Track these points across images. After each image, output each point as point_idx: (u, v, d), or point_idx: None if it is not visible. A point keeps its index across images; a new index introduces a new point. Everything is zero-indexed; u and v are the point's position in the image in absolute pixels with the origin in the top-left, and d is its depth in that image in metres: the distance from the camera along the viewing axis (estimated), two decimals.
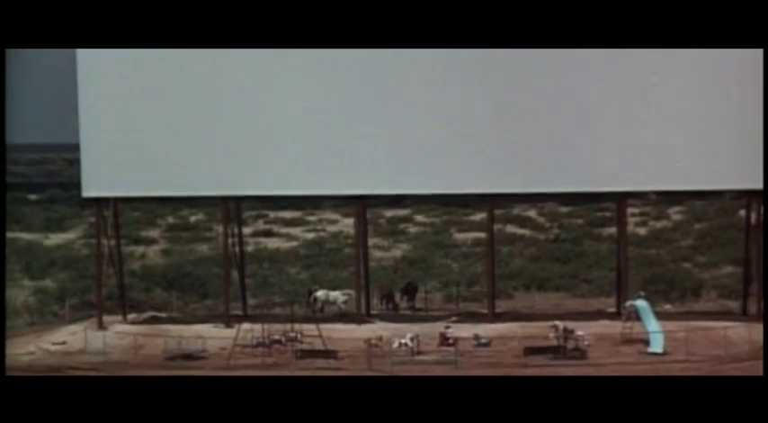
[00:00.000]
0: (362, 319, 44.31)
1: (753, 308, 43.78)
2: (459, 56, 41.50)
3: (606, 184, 43.08)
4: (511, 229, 75.08)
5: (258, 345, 40.10)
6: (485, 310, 45.01)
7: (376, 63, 42.28)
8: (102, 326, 43.46)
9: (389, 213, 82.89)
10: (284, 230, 77.75)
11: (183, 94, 43.08)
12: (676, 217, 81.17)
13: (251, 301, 48.83)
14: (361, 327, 42.91)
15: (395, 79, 42.60)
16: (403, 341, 39.32)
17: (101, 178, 43.39)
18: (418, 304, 48.27)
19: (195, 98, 43.05)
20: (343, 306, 46.36)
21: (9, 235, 68.14)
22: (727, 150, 42.02)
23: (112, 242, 45.87)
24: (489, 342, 40.38)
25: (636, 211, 75.49)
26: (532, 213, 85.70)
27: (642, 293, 42.62)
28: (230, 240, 45.82)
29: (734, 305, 47.07)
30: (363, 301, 45.48)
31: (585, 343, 39.20)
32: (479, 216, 71.33)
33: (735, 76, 41.79)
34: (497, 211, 52.14)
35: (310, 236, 74.10)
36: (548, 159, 42.64)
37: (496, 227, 51.78)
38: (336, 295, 46.94)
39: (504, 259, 59.46)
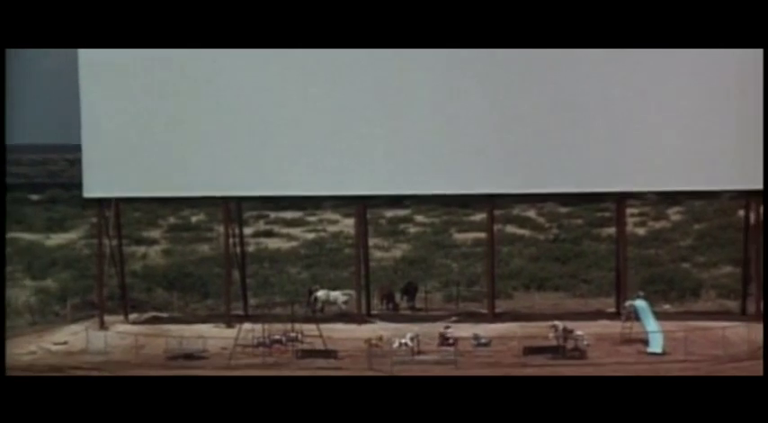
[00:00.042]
0: (363, 318, 44.38)
1: (752, 308, 43.85)
2: (460, 56, 41.56)
3: (605, 185, 43.15)
4: (510, 229, 75.10)
5: (259, 344, 40.15)
6: (484, 310, 45.06)
7: (376, 63, 42.35)
8: (103, 326, 43.56)
9: (390, 214, 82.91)
10: (285, 231, 77.79)
11: (184, 94, 43.14)
12: (675, 217, 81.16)
13: (252, 301, 48.89)
14: (361, 327, 42.97)
15: (395, 79, 42.65)
16: (403, 341, 39.38)
17: (102, 179, 43.47)
18: (418, 304, 48.32)
19: (196, 99, 43.13)
20: (343, 306, 46.42)
21: (11, 235, 68.40)
22: (726, 150, 42.05)
23: (114, 242, 46.01)
24: (489, 342, 40.43)
25: (635, 211, 75.45)
26: (532, 213, 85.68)
27: (641, 293, 42.68)
28: (231, 240, 45.87)
29: (733, 305, 47.14)
30: (364, 301, 45.54)
31: (585, 343, 39.26)
32: (479, 216, 71.36)
33: (735, 76, 41.82)
34: (497, 212, 52.20)
35: (311, 236, 74.14)
36: (547, 160, 42.68)
37: (496, 227, 51.82)
38: (337, 295, 46.99)
39: (503, 259, 59.51)
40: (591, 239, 69.48)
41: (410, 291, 48.87)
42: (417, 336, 39.85)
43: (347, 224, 70.87)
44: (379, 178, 43.12)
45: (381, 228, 76.38)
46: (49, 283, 55.50)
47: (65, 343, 42.23)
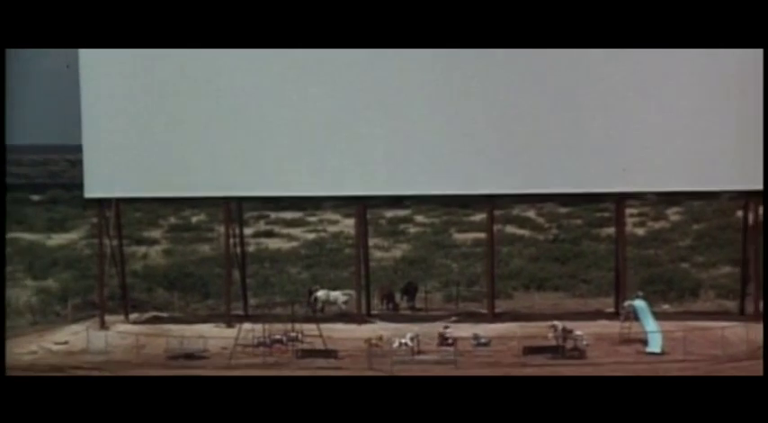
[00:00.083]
0: (363, 318, 44.45)
1: (750, 308, 43.89)
2: (460, 56, 41.62)
3: (605, 185, 43.21)
4: (510, 229, 75.13)
5: (259, 344, 40.20)
6: (484, 310, 45.13)
7: (376, 63, 42.40)
8: (104, 325, 43.65)
9: (390, 214, 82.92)
10: (285, 231, 77.82)
11: (184, 94, 43.20)
12: (674, 217, 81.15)
13: (252, 301, 48.96)
14: (361, 326, 43.05)
15: (395, 80, 42.70)
16: (403, 341, 39.43)
17: (103, 179, 43.55)
18: (418, 304, 48.39)
19: (197, 99, 43.18)
20: (343, 306, 46.48)
21: (12, 235, 68.49)
22: (726, 151, 42.09)
23: (114, 242, 46.08)
24: (489, 342, 40.48)
25: (634, 211, 75.48)
26: (532, 214, 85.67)
27: (640, 293, 42.73)
28: (232, 241, 45.91)
29: (731, 305, 47.19)
30: (364, 301, 45.62)
31: (584, 343, 39.30)
32: (479, 216, 71.39)
33: (735, 76, 41.86)
34: (497, 212, 52.25)
35: (311, 236, 74.18)
36: (547, 160, 42.73)
37: (496, 227, 51.87)
38: (337, 295, 47.06)
39: (503, 259, 59.56)
40: (590, 240, 69.51)
41: (410, 291, 48.94)
42: (417, 336, 39.91)
43: (347, 224, 70.92)
44: (379, 178, 43.18)
45: (381, 228, 76.41)
46: (50, 283, 55.56)
47: (66, 343, 42.30)
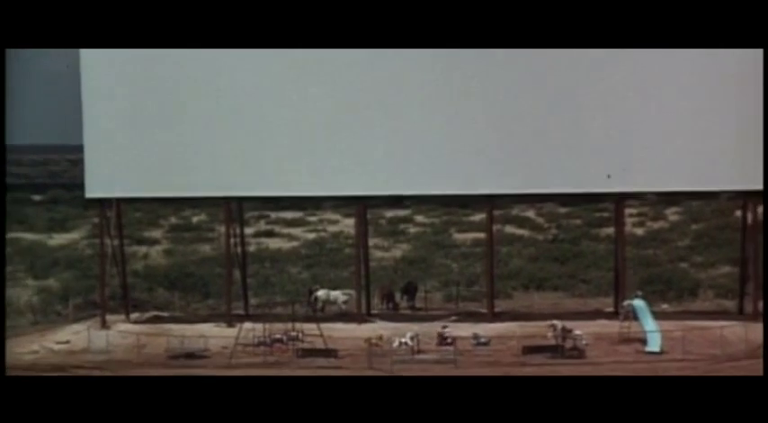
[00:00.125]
0: (363, 318, 44.55)
1: (749, 307, 43.93)
2: (459, 56, 41.66)
3: (604, 185, 43.26)
4: (510, 229, 75.16)
5: (260, 344, 40.29)
6: (484, 310, 45.20)
7: (376, 63, 42.45)
8: (105, 325, 43.73)
9: (390, 214, 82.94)
10: (285, 231, 77.86)
11: (185, 95, 43.27)
12: (673, 217, 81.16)
13: (252, 301, 49.02)
14: (361, 326, 43.13)
15: (395, 79, 42.74)
16: (403, 340, 39.53)
17: (104, 179, 43.62)
18: (418, 304, 48.45)
19: (197, 99, 43.24)
20: (343, 305, 46.57)
21: (13, 235, 68.58)
22: (726, 151, 42.12)
23: (115, 242, 46.14)
24: (488, 341, 40.57)
25: (633, 211, 75.55)
26: (531, 214, 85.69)
27: (639, 293, 42.82)
28: (232, 240, 45.99)
29: (730, 305, 47.26)
30: (364, 301, 45.72)
31: (583, 342, 39.37)
32: (479, 216, 71.40)
33: (735, 76, 41.88)
34: (496, 212, 52.30)
35: (311, 236, 74.23)
36: (546, 160, 42.79)
37: (495, 227, 51.95)
38: (337, 295, 47.15)
39: (503, 259, 59.65)
40: (590, 240, 69.55)
41: (410, 290, 49.02)
42: (417, 335, 40.00)
43: (347, 224, 70.97)
44: (379, 178, 43.23)
45: (381, 228, 76.46)
46: (51, 282, 55.60)
47: (67, 342, 42.38)
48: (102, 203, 45.33)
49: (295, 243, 71.04)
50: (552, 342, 39.25)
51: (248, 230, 59.17)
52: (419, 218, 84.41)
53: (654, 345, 39.71)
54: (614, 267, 47.03)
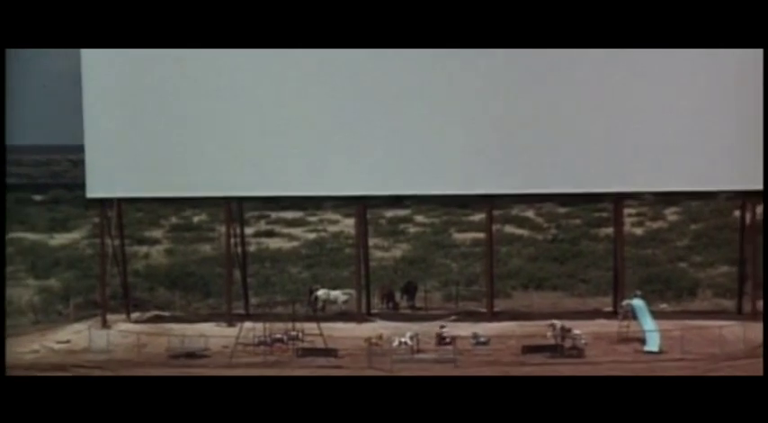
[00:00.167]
0: (363, 317, 44.62)
1: (747, 307, 44.02)
2: (459, 56, 41.69)
3: (604, 185, 43.33)
4: (509, 229, 75.19)
5: (260, 343, 40.39)
6: (483, 310, 45.27)
7: (376, 63, 42.47)
8: (106, 325, 43.79)
9: (390, 214, 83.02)
10: (286, 231, 77.97)
11: (186, 95, 43.31)
12: (672, 217, 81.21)
13: (253, 301, 49.09)
14: (361, 325, 43.20)
15: (394, 79, 42.78)
16: (403, 340, 39.62)
17: (105, 179, 43.68)
18: (418, 303, 48.50)
19: (198, 99, 43.27)
20: (343, 305, 46.66)
21: (14, 235, 68.76)
22: (725, 151, 42.14)
23: (116, 242, 46.20)
24: (488, 341, 40.63)
25: (632, 211, 75.71)
26: (530, 214, 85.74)
27: (638, 293, 42.93)
28: (233, 240, 46.04)
29: (729, 304, 47.29)
30: (364, 301, 45.79)
31: (583, 341, 39.42)
32: (478, 216, 71.47)
33: (735, 76, 41.90)
34: (496, 212, 52.31)
35: (311, 236, 74.30)
36: (546, 160, 42.82)
37: (495, 227, 51.94)
38: (337, 294, 47.23)
39: (502, 259, 59.73)
40: (589, 239, 69.61)
41: (410, 290, 49.10)
42: (417, 334, 40.09)
43: (347, 224, 71.06)
44: (379, 178, 43.29)
45: (381, 228, 76.56)
46: (53, 282, 55.67)
47: (68, 341, 42.47)
48: (103, 203, 45.41)
49: (295, 243, 71.12)
50: (551, 341, 39.31)
51: (249, 230, 59.29)
52: (419, 218, 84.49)
53: (653, 344, 39.78)
54: (613, 267, 47.10)
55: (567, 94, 42.60)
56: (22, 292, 52.76)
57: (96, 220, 54.49)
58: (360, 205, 45.80)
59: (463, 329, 41.53)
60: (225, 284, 45.91)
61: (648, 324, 40.59)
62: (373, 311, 46.75)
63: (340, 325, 42.97)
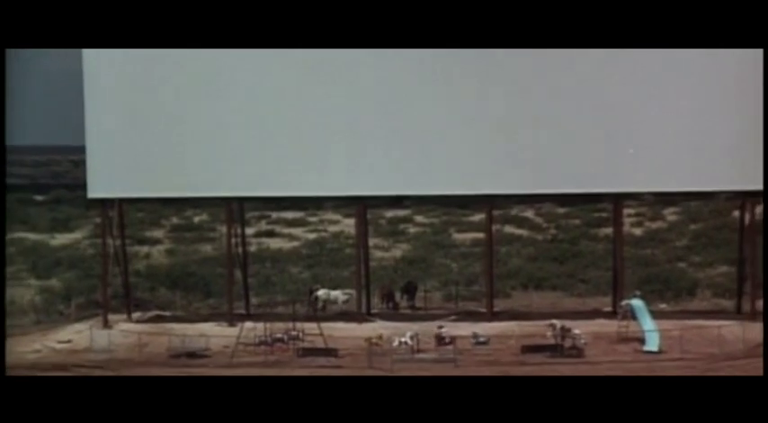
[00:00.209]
0: (363, 317, 44.70)
1: (746, 306, 44.12)
2: (459, 57, 41.74)
3: (603, 186, 43.39)
4: (509, 229, 75.31)
5: (261, 343, 40.49)
6: (483, 309, 45.33)
7: (376, 63, 42.53)
8: (107, 324, 43.85)
9: (390, 214, 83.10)
10: (286, 231, 78.06)
11: (186, 95, 43.35)
12: (671, 217, 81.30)
13: (254, 300, 49.16)
14: (361, 325, 43.27)
15: (395, 79, 42.83)
16: (403, 340, 39.72)
17: (106, 179, 43.71)
18: (418, 303, 48.58)
19: (199, 100, 43.31)
20: (343, 305, 46.75)
21: (16, 235, 68.86)
22: (725, 151, 42.16)
23: (117, 242, 46.24)
24: (488, 340, 40.72)
25: (632, 211, 75.81)
26: (530, 214, 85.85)
27: (638, 293, 43.12)
28: (233, 240, 46.09)
29: (728, 304, 47.38)
30: (364, 301, 45.86)
31: (582, 341, 39.51)
32: (478, 217, 71.54)
33: (735, 76, 41.93)
34: (496, 212, 52.31)
35: (312, 236, 74.41)
36: (546, 160, 42.85)
37: (495, 227, 51.91)
38: (337, 294, 47.31)
39: (502, 259, 59.83)
40: (588, 239, 69.72)
41: (410, 290, 49.17)
42: (417, 334, 40.18)
43: (348, 224, 71.12)
44: (380, 179, 43.33)
45: (381, 228, 76.65)
46: (54, 282, 55.76)
47: (69, 341, 42.59)
48: (105, 203, 45.49)
49: (296, 243, 71.23)
50: (551, 341, 39.41)
51: (249, 230, 59.38)
52: (419, 218, 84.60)
53: (652, 344, 39.90)
54: (613, 267, 47.20)
55: (566, 94, 42.61)
56: (24, 292, 52.85)
57: (97, 220, 54.61)
58: (360, 205, 45.91)
59: (463, 329, 41.59)
60: (226, 284, 46.02)
61: (648, 324, 40.70)
62: (373, 311, 46.79)
63: (340, 325, 43.04)
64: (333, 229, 77.32)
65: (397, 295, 48.80)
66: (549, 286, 54.52)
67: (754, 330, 39.75)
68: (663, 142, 42.55)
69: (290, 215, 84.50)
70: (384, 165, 43.22)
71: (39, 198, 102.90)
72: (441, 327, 41.36)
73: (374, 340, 39.43)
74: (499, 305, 47.08)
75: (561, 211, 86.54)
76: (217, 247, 64.20)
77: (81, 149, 45.15)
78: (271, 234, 75.82)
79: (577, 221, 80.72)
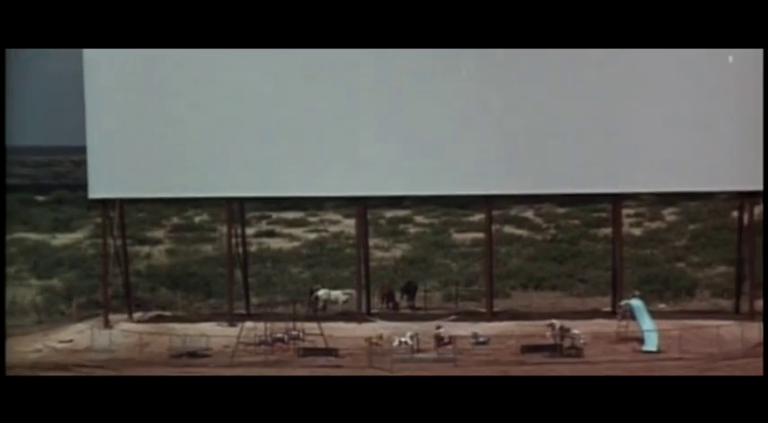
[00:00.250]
0: (363, 317, 44.75)
1: (745, 306, 44.15)
2: (459, 57, 41.80)
3: (602, 186, 43.41)
4: (509, 229, 75.39)
5: (261, 343, 40.55)
6: (483, 309, 45.36)
7: (376, 63, 42.57)
8: (108, 324, 43.88)
9: (390, 214, 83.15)
10: (287, 231, 78.13)
11: (187, 96, 43.39)
12: (670, 218, 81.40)
13: (254, 300, 49.21)
14: (361, 325, 43.33)
15: (395, 79, 42.84)
16: (403, 339, 39.80)
17: (107, 180, 43.76)
18: (418, 303, 48.62)
19: (199, 100, 43.35)
20: (344, 305, 46.80)
21: (17, 235, 69.01)
22: (725, 151, 42.17)
23: (118, 242, 46.27)
24: (487, 340, 40.77)
25: (631, 211, 75.92)
26: (530, 214, 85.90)
27: (637, 293, 43.13)
28: (234, 241, 46.11)
29: (727, 304, 47.38)
30: (364, 300, 45.91)
31: (581, 341, 39.54)
32: (478, 217, 71.63)
33: (735, 76, 41.94)
34: (495, 212, 52.33)
35: (312, 236, 74.45)
36: (545, 161, 42.87)
37: (494, 227, 51.96)
38: (338, 294, 47.34)
39: (501, 259, 59.89)
40: (588, 240, 69.78)
41: (410, 290, 49.22)
42: (417, 334, 40.25)
43: (348, 224, 71.22)
44: (380, 180, 43.35)
45: (381, 228, 76.72)
46: (55, 282, 55.81)
47: (70, 341, 42.65)
48: (106, 204, 45.51)
49: (296, 243, 71.30)
50: (550, 341, 39.46)
51: (250, 230, 59.48)
52: (419, 218, 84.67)
53: (651, 344, 39.96)
54: (612, 267, 47.23)
55: (566, 94, 42.61)
56: (25, 291, 52.90)
57: (98, 220, 54.66)
58: (360, 206, 45.99)
59: (463, 329, 41.64)
60: (226, 284, 46.07)
61: (647, 324, 40.72)
62: (373, 311, 46.84)
63: (340, 325, 43.10)
64: (333, 229, 77.40)
65: (397, 295, 48.85)
66: (549, 286, 54.55)
67: (753, 330, 39.84)
68: (662, 142, 42.54)
69: (290, 215, 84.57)
70: (384, 165, 43.24)
71: (40, 198, 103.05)
72: (439, 327, 41.33)
73: (374, 340, 39.48)
74: (499, 305, 47.12)
75: (561, 211, 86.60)
76: (217, 247, 64.24)
77: (82, 150, 45.18)
78: (271, 234, 75.89)
79: (577, 222, 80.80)
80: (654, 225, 77.49)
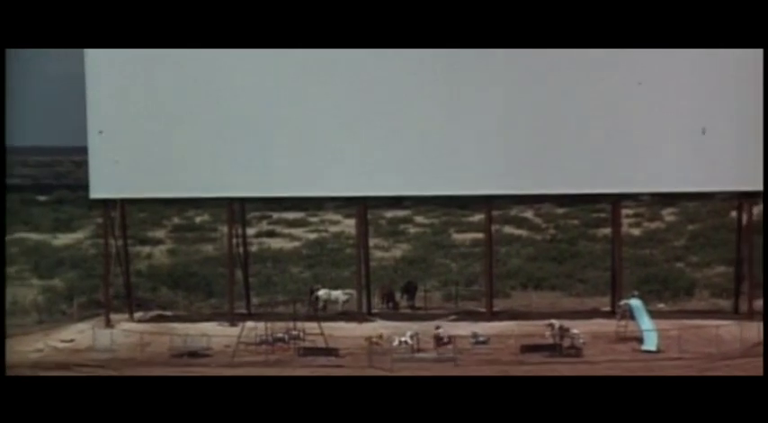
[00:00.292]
0: (363, 317, 44.82)
1: (744, 306, 44.21)
2: (459, 57, 41.79)
3: (602, 186, 43.43)
4: (508, 229, 75.41)
5: (262, 342, 40.62)
6: (483, 309, 45.45)
7: (376, 63, 42.57)
8: (109, 324, 43.96)
9: (390, 214, 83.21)
10: (287, 231, 78.18)
11: (188, 96, 43.41)
12: (669, 218, 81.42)
13: (255, 300, 49.29)
14: (362, 325, 43.39)
15: (395, 80, 42.88)
16: (403, 339, 39.85)
17: (108, 180, 43.76)
18: (418, 303, 48.67)
19: (200, 100, 43.37)
20: (344, 305, 46.85)
21: (19, 235, 69.13)
22: (725, 151, 42.20)
23: (119, 242, 46.31)
24: (487, 340, 40.79)
25: (630, 212, 75.92)
26: (529, 214, 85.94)
27: (636, 293, 43.21)
28: (235, 241, 46.17)
29: (726, 304, 47.42)
30: (364, 300, 45.98)
31: (581, 341, 39.57)
32: (477, 217, 71.66)
33: (735, 76, 41.95)
34: (495, 213, 52.35)
35: (313, 236, 74.49)
36: (545, 161, 42.89)
37: (494, 227, 51.98)
38: (338, 294, 47.40)
39: (501, 259, 59.92)
40: (587, 240, 69.78)
41: (410, 290, 49.27)
42: (417, 334, 40.29)
43: (348, 224, 71.30)
44: (380, 180, 43.39)
45: (382, 228, 76.75)
46: (56, 282, 55.86)
47: (71, 341, 42.66)
48: (107, 204, 45.55)
49: (296, 243, 71.35)
50: (550, 341, 39.52)
51: (250, 231, 59.55)
52: (419, 218, 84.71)
53: (650, 343, 40.01)
54: (611, 267, 47.28)
55: (566, 95, 42.64)
56: (27, 291, 52.95)
57: (99, 220, 54.74)
58: (360, 206, 46.06)
59: (463, 329, 41.69)
60: (227, 284, 46.13)
61: (646, 324, 40.78)
62: (374, 311, 46.89)
63: (341, 324, 43.16)
64: (333, 229, 77.47)
65: (397, 295, 48.91)
66: (548, 286, 54.58)
67: (752, 330, 39.92)
68: (662, 142, 42.59)
69: (290, 215, 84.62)
70: (384, 165, 43.27)
71: (41, 198, 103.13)
72: (438, 327, 41.36)
73: (374, 340, 39.54)
74: (498, 305, 47.15)
75: (560, 211, 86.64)
76: (218, 247, 64.31)
77: (83, 150, 45.28)
78: (272, 234, 75.94)
79: (576, 222, 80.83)
80: (653, 225, 77.50)
